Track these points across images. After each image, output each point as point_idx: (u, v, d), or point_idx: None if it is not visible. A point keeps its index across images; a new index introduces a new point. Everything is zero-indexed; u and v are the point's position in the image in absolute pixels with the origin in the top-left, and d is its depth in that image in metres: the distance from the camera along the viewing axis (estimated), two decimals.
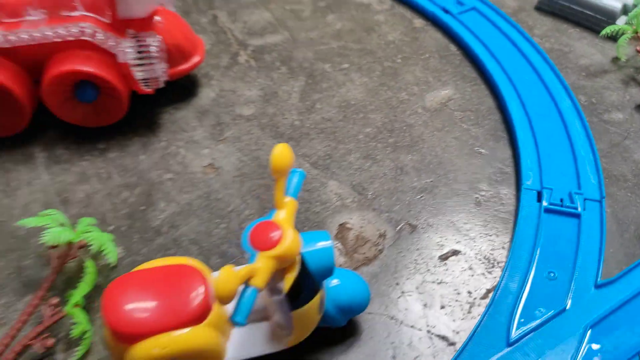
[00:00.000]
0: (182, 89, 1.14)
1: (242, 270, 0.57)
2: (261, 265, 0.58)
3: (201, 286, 0.66)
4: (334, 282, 0.73)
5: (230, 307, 0.68)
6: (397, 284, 0.81)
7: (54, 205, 0.93)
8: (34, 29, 0.93)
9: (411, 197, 0.92)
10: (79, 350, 0.76)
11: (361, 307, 0.74)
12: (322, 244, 0.66)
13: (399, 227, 0.88)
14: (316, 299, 0.66)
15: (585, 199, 0.88)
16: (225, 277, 0.54)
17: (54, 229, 0.80)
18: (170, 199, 0.96)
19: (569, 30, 1.22)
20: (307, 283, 0.65)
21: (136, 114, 1.08)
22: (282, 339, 0.70)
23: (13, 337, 0.75)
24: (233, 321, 0.57)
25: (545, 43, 1.17)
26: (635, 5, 1.13)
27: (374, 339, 0.76)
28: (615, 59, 1.14)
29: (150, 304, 0.66)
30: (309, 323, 0.68)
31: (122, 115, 1.04)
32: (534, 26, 1.22)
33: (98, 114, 1.04)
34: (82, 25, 0.94)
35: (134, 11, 0.96)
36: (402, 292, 0.80)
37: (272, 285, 0.62)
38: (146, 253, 0.88)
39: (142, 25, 0.98)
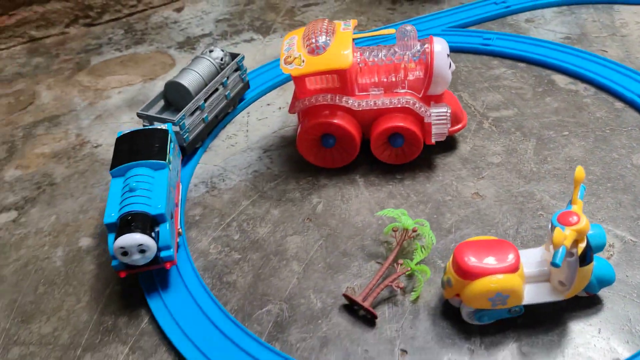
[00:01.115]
0: (446, 144, 1.65)
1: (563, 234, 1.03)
2: (568, 234, 1.03)
3: (514, 252, 1.12)
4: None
5: (526, 269, 1.15)
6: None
7: (375, 211, 1.46)
8: (377, 99, 1.50)
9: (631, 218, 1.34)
10: (414, 294, 1.25)
11: (611, 280, 1.16)
12: (598, 230, 1.10)
13: (622, 241, 1.30)
14: (592, 264, 1.09)
15: None
16: (558, 233, 1.00)
17: (404, 217, 1.32)
18: (453, 212, 1.44)
19: None
20: (588, 253, 1.08)
21: (420, 158, 1.59)
22: (560, 293, 1.13)
23: (375, 284, 1.26)
24: (552, 264, 1.01)
25: None
26: None
27: (613, 309, 1.17)
28: None
29: (485, 257, 1.12)
30: (582, 282, 1.11)
31: (414, 157, 1.57)
32: None
33: (398, 155, 1.57)
34: (407, 98, 1.49)
35: (437, 91, 1.51)
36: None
37: (570, 250, 1.07)
38: (443, 243, 1.36)
39: (438, 98, 1.52)
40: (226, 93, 1.79)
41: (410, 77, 1.51)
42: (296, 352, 1.18)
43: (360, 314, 1.24)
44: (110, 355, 1.21)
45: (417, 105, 1.48)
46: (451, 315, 1.21)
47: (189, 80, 1.69)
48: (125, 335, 1.25)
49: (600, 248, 1.10)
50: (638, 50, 1.90)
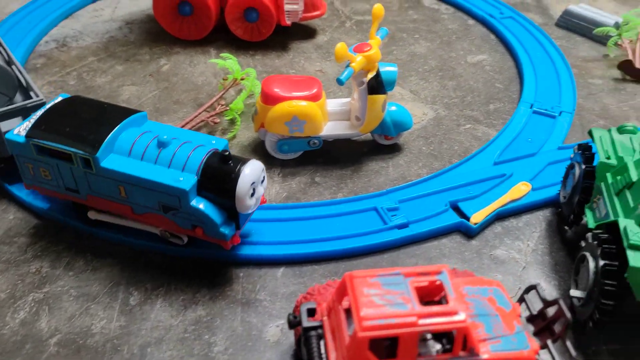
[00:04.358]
0: (307, 34, 1.70)
1: (350, 54, 1.08)
2: (358, 59, 1.09)
3: (318, 86, 1.17)
4: (392, 107, 1.22)
5: (330, 107, 1.20)
6: None
7: (219, 74, 1.49)
8: None
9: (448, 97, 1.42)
10: (231, 133, 1.28)
11: (407, 125, 1.22)
12: (391, 68, 1.17)
13: (435, 113, 1.37)
14: (383, 97, 1.15)
15: (561, 111, 1.35)
16: (341, 47, 1.05)
17: (234, 65, 1.35)
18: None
19: (577, 38, 1.72)
20: (380, 83, 1.14)
21: (275, 40, 1.64)
22: (356, 127, 1.19)
23: (193, 118, 1.28)
24: (337, 80, 1.07)
25: (557, 41, 1.67)
26: (625, 23, 1.62)
27: (411, 151, 1.24)
28: (606, 55, 1.62)
29: (289, 88, 1.17)
30: (375, 116, 1.17)
31: (267, 36, 1.61)
32: (551, 33, 1.72)
33: (253, 32, 1.61)
34: None
35: None
36: None
37: (360, 77, 1.12)
38: None
39: None
40: None
41: None
42: None
43: None
44: None
45: None
46: (259, 152, 1.25)
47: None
48: None
49: (391, 83, 1.17)
50: None
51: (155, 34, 1.67)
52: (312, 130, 1.17)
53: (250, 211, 0.93)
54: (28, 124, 0.97)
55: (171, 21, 1.61)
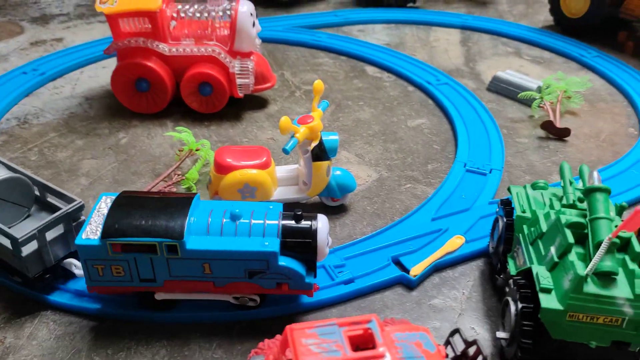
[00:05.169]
0: (259, 103, 1.83)
1: (294, 126, 1.19)
2: (302, 130, 1.20)
3: (267, 155, 1.28)
4: (337, 172, 1.33)
5: (279, 173, 1.30)
6: None
7: (176, 145, 1.58)
8: (187, 46, 1.66)
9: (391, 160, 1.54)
10: None
11: (351, 187, 1.33)
12: (333, 136, 1.29)
13: (379, 174, 1.49)
14: (327, 163, 1.26)
15: (491, 169, 1.49)
16: (285, 120, 1.17)
17: (189, 137, 1.45)
18: None
19: (506, 101, 1.89)
20: (323, 151, 1.25)
21: (229, 111, 1.75)
22: (304, 191, 1.29)
23: (150, 188, 1.37)
24: (283, 150, 1.17)
25: (488, 104, 1.83)
26: (546, 87, 1.80)
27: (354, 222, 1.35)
28: (531, 116, 1.79)
29: (240, 158, 1.27)
30: (320, 181, 1.28)
31: (221, 108, 1.72)
32: (483, 97, 1.89)
33: (208, 105, 1.72)
34: (214, 48, 1.66)
35: (243, 47, 1.69)
36: None
37: (304, 145, 1.23)
38: None
39: (244, 55, 1.70)
40: None
41: (220, 32, 1.69)
42: None
43: None
44: None
45: (222, 55, 1.66)
46: None
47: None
48: None
49: (334, 150, 1.28)
50: (439, 56, 2.22)
51: (114, 109, 1.76)
52: (263, 195, 1.27)
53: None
54: (90, 227, 0.99)
55: (129, 97, 1.71)
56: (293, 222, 1.03)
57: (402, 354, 0.74)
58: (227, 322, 1.07)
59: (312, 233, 1.02)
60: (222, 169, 1.26)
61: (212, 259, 0.99)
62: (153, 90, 1.69)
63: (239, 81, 1.69)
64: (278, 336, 0.88)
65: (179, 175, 1.41)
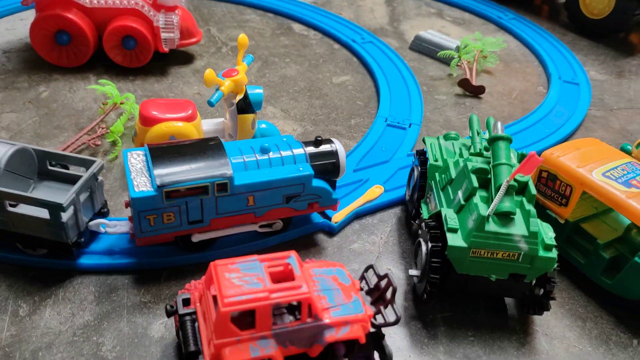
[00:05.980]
0: (185, 59, 1.81)
1: (219, 79, 1.21)
2: (227, 83, 1.23)
3: (193, 108, 1.29)
4: (263, 125, 1.37)
5: (205, 126, 1.32)
6: None
7: (99, 99, 1.56)
8: None
9: (317, 115, 1.59)
10: (112, 154, 1.36)
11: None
12: (258, 90, 1.31)
13: (304, 128, 1.54)
14: (252, 116, 1.29)
15: (410, 123, 1.56)
16: (210, 73, 1.18)
17: (113, 91, 1.43)
18: None
19: (426, 60, 1.97)
20: (248, 104, 1.28)
21: (155, 66, 1.74)
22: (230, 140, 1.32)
23: (74, 141, 1.35)
24: (208, 102, 1.19)
25: (410, 63, 1.91)
26: (464, 46, 1.90)
27: None
28: (449, 74, 1.88)
29: (166, 110, 1.28)
30: (245, 133, 1.31)
31: (146, 62, 1.70)
32: (405, 55, 1.97)
33: (132, 59, 1.70)
34: (137, 1, 1.63)
35: (167, 2, 1.67)
36: None
37: (229, 98, 1.26)
38: None
39: (169, 9, 1.68)
40: None
41: None
42: None
43: None
44: None
45: (145, 8, 1.63)
46: None
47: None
48: None
49: (259, 104, 1.31)
50: (365, 15, 2.27)
51: (34, 62, 1.70)
52: None
53: None
54: (136, 182, 1.00)
55: (49, 50, 1.66)
56: (313, 147, 1.14)
57: (320, 287, 0.81)
58: (154, 269, 1.10)
59: (334, 154, 1.15)
60: (148, 121, 1.26)
61: (256, 191, 1.07)
62: (74, 43, 1.65)
63: (163, 35, 1.67)
64: (204, 277, 0.92)
65: (103, 128, 1.39)
